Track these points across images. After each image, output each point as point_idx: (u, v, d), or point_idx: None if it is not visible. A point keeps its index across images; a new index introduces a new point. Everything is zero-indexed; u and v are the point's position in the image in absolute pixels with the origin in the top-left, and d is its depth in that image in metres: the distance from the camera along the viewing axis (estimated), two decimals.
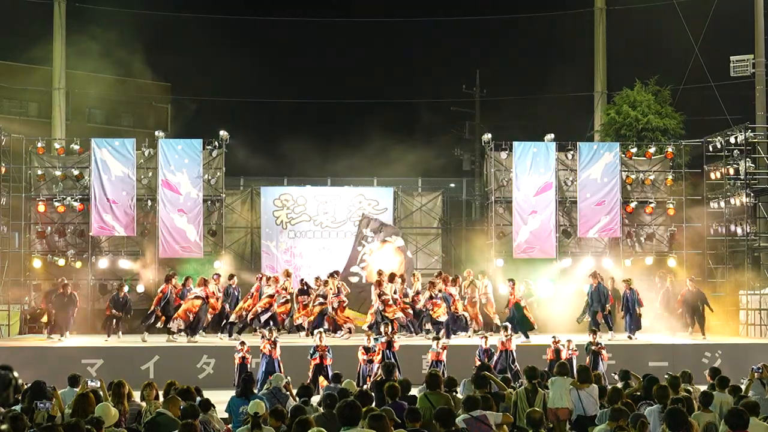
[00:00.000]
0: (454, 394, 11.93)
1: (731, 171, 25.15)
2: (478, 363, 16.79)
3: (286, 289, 22.23)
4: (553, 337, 18.46)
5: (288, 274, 22.81)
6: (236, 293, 22.44)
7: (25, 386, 11.49)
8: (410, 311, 21.99)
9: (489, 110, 40.89)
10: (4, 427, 8.41)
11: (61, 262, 24.47)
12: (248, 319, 21.90)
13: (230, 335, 21.93)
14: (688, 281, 22.95)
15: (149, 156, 25.05)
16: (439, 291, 21.65)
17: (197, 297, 21.44)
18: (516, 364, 17.70)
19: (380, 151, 29.52)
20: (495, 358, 17.89)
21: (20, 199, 25.09)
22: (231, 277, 22.66)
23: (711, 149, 25.87)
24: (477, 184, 34.09)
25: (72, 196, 24.70)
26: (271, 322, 21.33)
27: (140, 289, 24.24)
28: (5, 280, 24.34)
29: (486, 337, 18.62)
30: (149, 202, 24.94)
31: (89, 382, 11.21)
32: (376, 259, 24.56)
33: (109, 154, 24.48)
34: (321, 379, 17.24)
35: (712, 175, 25.98)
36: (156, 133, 25.51)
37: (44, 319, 23.01)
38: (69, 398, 10.91)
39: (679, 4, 29.36)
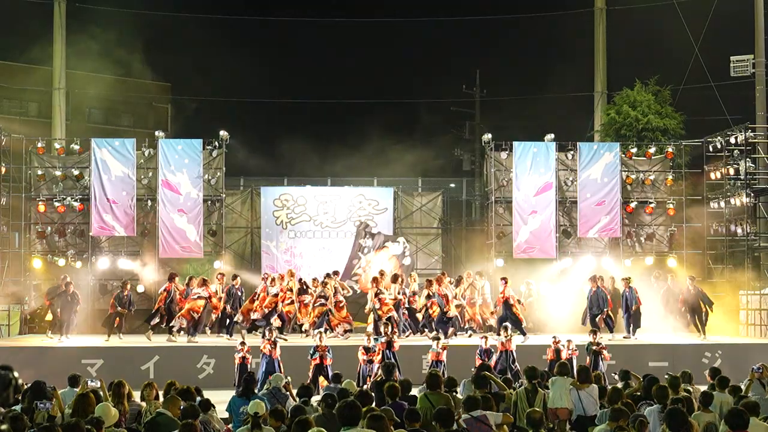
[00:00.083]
0: (454, 394, 11.94)
1: (731, 171, 25.15)
2: (479, 362, 16.78)
3: (291, 290, 22.21)
4: (554, 337, 18.46)
5: (292, 274, 22.78)
6: (239, 293, 22.41)
7: (25, 386, 11.49)
8: (405, 312, 22.00)
9: (489, 110, 40.96)
10: (4, 427, 8.41)
11: (61, 262, 24.46)
12: (254, 319, 21.77)
13: (231, 335, 21.92)
14: (687, 281, 22.94)
15: (149, 156, 25.05)
16: (433, 292, 21.71)
17: (200, 297, 21.52)
18: (516, 364, 17.70)
19: (380, 151, 29.55)
20: (495, 358, 17.88)
21: (20, 199, 25.10)
22: (234, 277, 22.62)
23: (711, 149, 25.87)
24: (477, 184, 34.11)
25: (72, 196, 24.69)
26: (281, 323, 21.36)
27: (140, 289, 24.23)
28: (5, 280, 24.35)
29: (486, 338, 18.62)
30: (149, 202, 24.94)
31: (89, 382, 11.21)
32: (370, 271, 24.39)
33: (109, 154, 24.48)
34: (321, 379, 17.25)
35: (712, 175, 25.99)
36: (156, 133, 25.52)
37: (48, 317, 22.81)
38: (69, 398, 10.91)
39: (679, 4, 29.38)
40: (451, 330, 21.54)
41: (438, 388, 10.87)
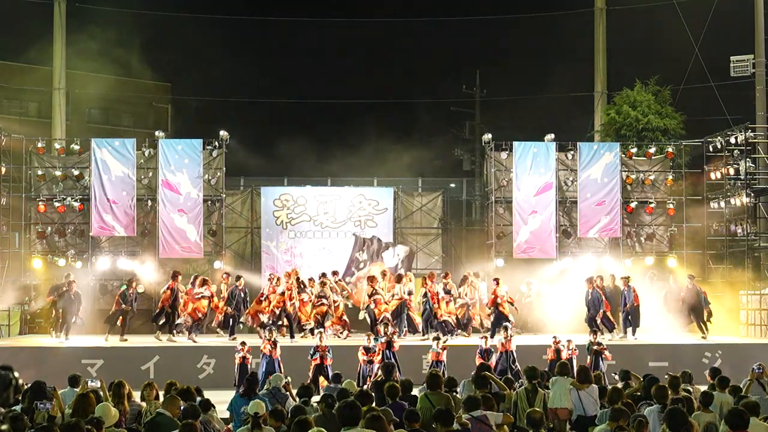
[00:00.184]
0: (454, 394, 11.94)
1: (731, 171, 25.15)
2: (480, 362, 16.77)
3: (290, 289, 22.17)
4: (554, 337, 18.45)
5: (296, 273, 22.73)
6: (242, 294, 22.36)
7: (26, 386, 11.49)
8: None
9: (489, 110, 40.95)
10: (4, 427, 8.42)
11: (62, 262, 24.44)
12: (265, 320, 21.66)
13: (230, 334, 21.92)
14: (687, 280, 22.94)
15: (149, 156, 25.05)
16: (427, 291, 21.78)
17: (203, 297, 21.59)
18: (516, 364, 17.70)
19: (380, 151, 29.57)
20: (495, 358, 17.88)
21: (20, 199, 25.10)
22: (238, 278, 22.56)
23: (711, 149, 25.87)
24: (477, 184, 34.12)
25: (72, 196, 24.68)
26: (293, 324, 21.39)
27: (140, 289, 24.17)
28: (5, 280, 24.34)
29: (486, 338, 18.62)
30: (149, 202, 24.93)
31: (89, 382, 11.21)
32: (361, 286, 24.21)
33: (109, 154, 24.48)
34: (321, 379, 17.25)
35: (712, 175, 25.98)
36: (156, 133, 25.52)
37: (53, 316, 22.65)
38: (69, 398, 10.91)
39: (679, 4, 29.39)
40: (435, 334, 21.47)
41: (438, 388, 10.88)
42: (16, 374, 11.82)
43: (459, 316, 22.39)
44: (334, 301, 22.18)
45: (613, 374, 16.02)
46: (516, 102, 37.46)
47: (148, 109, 43.20)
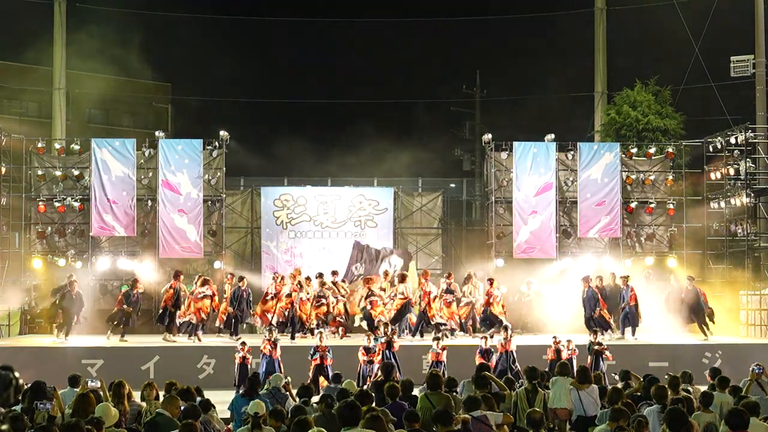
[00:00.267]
0: (454, 394, 11.94)
1: (731, 171, 25.15)
2: (480, 362, 16.76)
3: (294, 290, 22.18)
4: (554, 337, 18.44)
5: (299, 273, 22.72)
6: (245, 295, 22.32)
7: (26, 386, 11.49)
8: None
9: (489, 110, 40.93)
10: (4, 427, 8.42)
11: (62, 262, 24.43)
12: (274, 321, 21.60)
13: (232, 334, 21.91)
14: (686, 280, 22.94)
15: (149, 156, 25.05)
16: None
17: (205, 296, 21.62)
18: (516, 364, 17.70)
19: (380, 151, 29.53)
20: (495, 358, 17.87)
21: (20, 199, 25.10)
22: (241, 279, 22.52)
23: (711, 149, 25.88)
24: (477, 184, 34.15)
25: (72, 197, 24.68)
26: (296, 325, 21.38)
27: (140, 289, 24.15)
28: (5, 280, 24.34)
29: (486, 338, 18.61)
30: (149, 203, 24.93)
31: (89, 382, 11.20)
32: (354, 298, 24.16)
33: (110, 154, 24.48)
34: (321, 379, 17.23)
35: (713, 176, 25.98)
36: (156, 133, 25.51)
37: (57, 317, 22.57)
38: (69, 398, 10.91)
39: (679, 4, 29.39)
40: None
41: (438, 389, 10.88)
42: (17, 374, 11.82)
43: (463, 317, 22.37)
44: (335, 301, 22.15)
45: (613, 374, 16.02)
46: (516, 102, 37.48)
47: (148, 109, 43.20)
